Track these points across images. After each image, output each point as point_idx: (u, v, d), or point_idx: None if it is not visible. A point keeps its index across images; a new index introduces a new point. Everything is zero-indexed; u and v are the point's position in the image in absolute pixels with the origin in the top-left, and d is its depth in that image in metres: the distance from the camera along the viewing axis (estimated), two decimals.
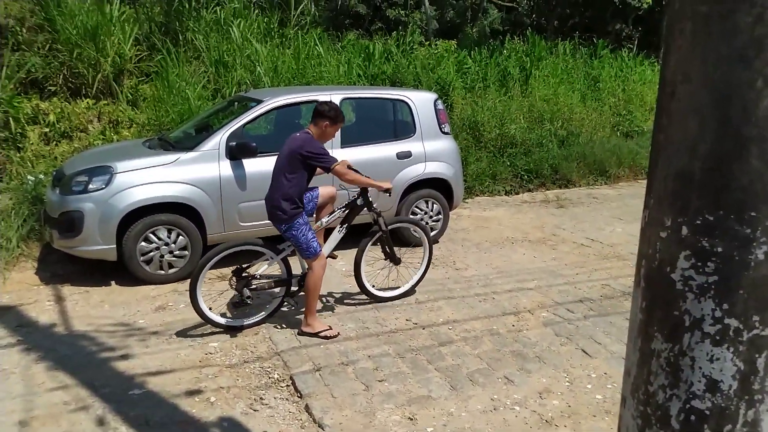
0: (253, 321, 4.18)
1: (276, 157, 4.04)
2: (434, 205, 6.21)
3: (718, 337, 1.14)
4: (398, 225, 4.64)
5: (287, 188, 3.86)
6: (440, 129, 6.21)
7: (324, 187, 4.43)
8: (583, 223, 7.25)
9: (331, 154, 3.95)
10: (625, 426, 1.34)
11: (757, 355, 1.13)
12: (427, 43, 11.42)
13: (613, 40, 14.24)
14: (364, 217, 4.57)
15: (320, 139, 3.96)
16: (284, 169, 3.88)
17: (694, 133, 1.11)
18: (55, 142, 6.87)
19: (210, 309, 4.12)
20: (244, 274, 4.09)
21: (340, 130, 5.52)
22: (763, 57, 1.03)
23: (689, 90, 1.11)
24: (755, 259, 1.09)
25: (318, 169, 3.99)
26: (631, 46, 14.85)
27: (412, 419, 3.12)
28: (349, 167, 4.14)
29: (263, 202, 4.05)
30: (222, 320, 4.11)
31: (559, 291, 4.95)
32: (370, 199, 4.34)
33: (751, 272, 1.09)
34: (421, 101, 6.18)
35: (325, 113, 3.92)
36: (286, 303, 4.36)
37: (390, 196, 4.48)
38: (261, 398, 3.31)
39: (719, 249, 1.10)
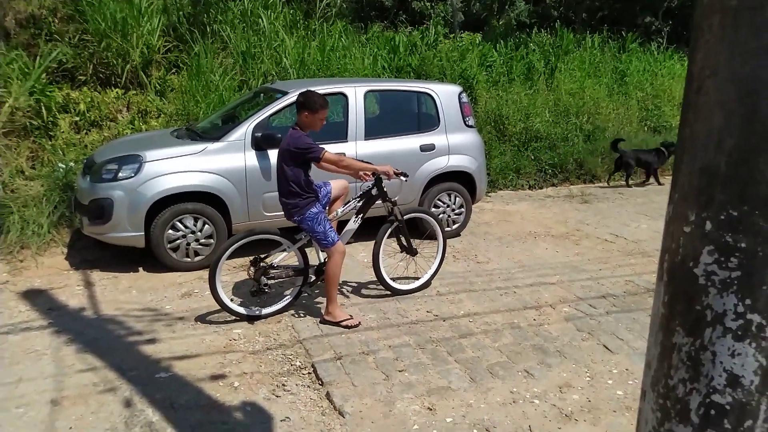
0: (271, 310, 4.23)
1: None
2: (457, 199, 6.20)
3: (740, 333, 1.13)
4: (412, 216, 4.65)
5: (290, 183, 3.91)
6: (464, 122, 6.20)
7: (336, 181, 4.44)
8: (607, 218, 7.18)
9: (318, 145, 3.90)
10: (645, 419, 1.35)
11: None
12: (452, 35, 11.36)
13: (642, 34, 13.97)
14: (379, 210, 4.60)
15: (308, 129, 3.94)
16: (283, 166, 3.93)
17: (720, 128, 1.11)
18: (85, 131, 7.02)
19: (232, 300, 4.20)
20: (261, 264, 4.14)
21: (363, 121, 5.64)
22: None
23: (716, 85, 1.11)
24: None
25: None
26: (661, 39, 14.57)
27: (431, 409, 3.15)
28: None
29: None
30: (241, 309, 4.17)
31: (582, 286, 4.93)
32: (385, 189, 4.37)
33: None
34: (446, 94, 6.16)
35: (302, 103, 3.90)
36: (303, 292, 4.41)
37: (406, 180, 4.47)
38: (283, 385, 3.37)
39: (743, 244, 1.10)
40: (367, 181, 4.37)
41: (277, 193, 4.07)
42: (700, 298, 1.18)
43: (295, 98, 5.27)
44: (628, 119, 10.69)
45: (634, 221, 7.07)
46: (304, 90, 3.99)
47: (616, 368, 3.63)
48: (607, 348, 3.88)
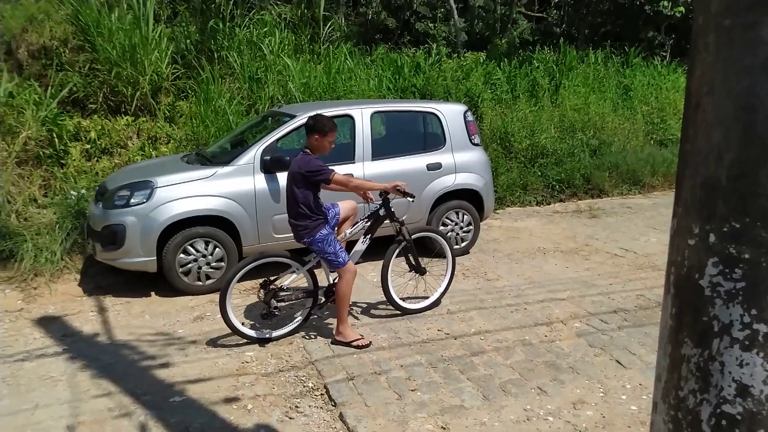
0: (282, 333, 4.24)
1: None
2: (465, 216, 6.22)
3: (747, 342, 1.15)
4: (420, 235, 4.68)
5: (300, 205, 3.96)
6: (470, 140, 6.25)
7: (344, 202, 4.48)
8: (616, 233, 7.17)
9: (328, 167, 3.95)
10: (657, 431, 1.36)
11: None
12: (455, 55, 11.48)
13: (645, 48, 14.04)
14: (388, 230, 4.63)
15: (318, 152, 3.99)
16: (293, 188, 3.98)
17: (719, 143, 1.14)
18: (96, 158, 7.11)
19: (243, 323, 4.23)
20: (271, 287, 4.17)
21: (370, 142, 5.70)
22: None
23: (713, 101, 1.15)
24: None
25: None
26: (664, 53, 14.66)
27: (444, 429, 3.14)
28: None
29: None
30: (252, 332, 4.19)
31: (593, 301, 4.91)
32: (392, 209, 4.41)
33: None
34: (451, 113, 6.23)
35: (312, 127, 3.95)
36: (313, 314, 4.43)
37: (413, 201, 4.52)
38: (296, 406, 3.38)
39: (746, 255, 1.13)
40: (370, 203, 4.44)
41: (286, 215, 4.12)
42: (707, 309, 1.20)
43: (302, 121, 5.37)
44: (634, 133, 10.71)
45: (643, 235, 7.06)
46: (314, 114, 4.07)
47: (629, 383, 3.61)
48: (619, 363, 3.87)
